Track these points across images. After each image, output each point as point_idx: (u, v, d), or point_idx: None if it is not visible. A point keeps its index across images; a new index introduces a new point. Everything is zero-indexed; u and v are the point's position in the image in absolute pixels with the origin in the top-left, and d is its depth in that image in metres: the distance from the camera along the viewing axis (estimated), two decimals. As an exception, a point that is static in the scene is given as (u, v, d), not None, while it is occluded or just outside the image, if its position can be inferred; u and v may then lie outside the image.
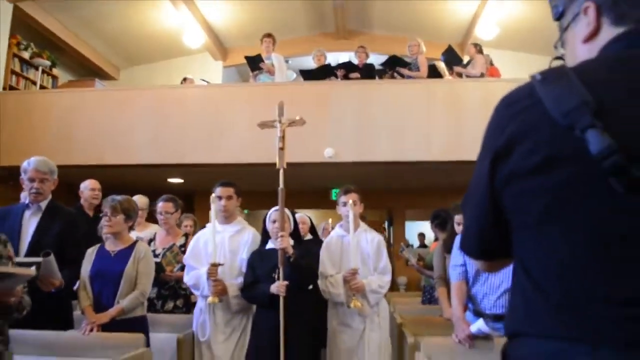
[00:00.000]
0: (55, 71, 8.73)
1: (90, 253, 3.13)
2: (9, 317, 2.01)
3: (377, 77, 6.97)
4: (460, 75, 6.80)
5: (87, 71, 9.69)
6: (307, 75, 6.95)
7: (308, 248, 3.51)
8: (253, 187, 6.42)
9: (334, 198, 8.39)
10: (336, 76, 6.77)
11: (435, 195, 7.98)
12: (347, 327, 3.46)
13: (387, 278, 3.55)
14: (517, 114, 0.87)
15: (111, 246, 3.16)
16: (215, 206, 3.39)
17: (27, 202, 3.08)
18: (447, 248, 3.77)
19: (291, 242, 3.28)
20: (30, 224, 3.03)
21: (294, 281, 3.15)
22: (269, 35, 6.83)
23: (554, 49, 1.11)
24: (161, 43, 9.36)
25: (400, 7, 8.81)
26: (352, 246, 3.40)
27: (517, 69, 8.26)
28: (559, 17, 1.07)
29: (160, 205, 4.00)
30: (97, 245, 3.22)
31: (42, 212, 3.06)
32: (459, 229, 3.53)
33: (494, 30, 8.35)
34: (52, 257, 2.59)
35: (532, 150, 0.83)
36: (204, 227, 3.67)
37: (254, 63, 6.69)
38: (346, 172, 6.57)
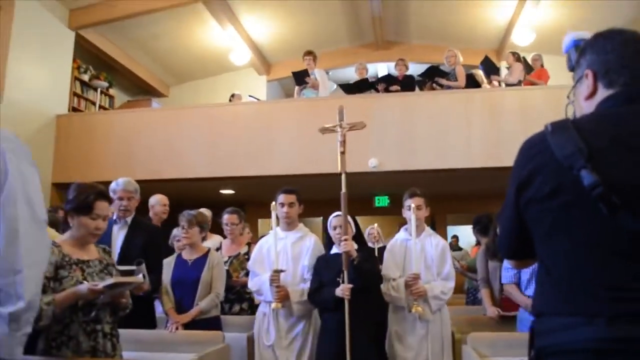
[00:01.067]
0: (111, 91, 9.35)
1: (169, 262, 3.57)
2: (118, 315, 2.43)
3: (417, 88, 7.26)
4: (499, 83, 7.02)
5: (140, 90, 10.30)
6: (347, 89, 7.29)
7: (371, 251, 3.48)
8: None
9: (377, 205, 8.76)
10: (377, 90, 7.09)
11: (475, 201, 8.20)
12: (408, 332, 3.42)
13: (451, 284, 3.50)
14: (534, 156, 1.21)
15: (187, 255, 3.58)
16: (276, 213, 3.45)
17: (115, 217, 3.52)
18: (490, 252, 4.05)
19: (355, 246, 3.31)
20: (118, 236, 3.47)
21: (358, 284, 3.17)
22: (309, 53, 7.18)
23: (567, 98, 1.45)
24: (208, 60, 9.87)
25: (436, 16, 9.06)
26: (414, 250, 3.40)
27: (556, 72, 8.44)
28: (572, 69, 1.42)
29: (226, 217, 4.32)
30: (175, 255, 3.65)
31: (128, 226, 3.50)
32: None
33: (530, 36, 8.50)
34: (143, 265, 3.01)
35: (544, 182, 1.17)
36: (266, 234, 3.83)
37: (300, 78, 7.07)
38: (389, 180, 6.86)
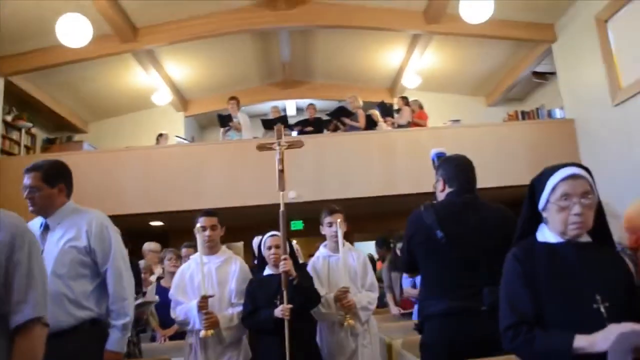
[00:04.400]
0: (33, 130, 9.69)
1: (151, 290, 4.42)
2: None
3: (325, 127, 8.50)
4: (392, 124, 8.44)
5: (59, 126, 10.62)
6: (267, 124, 8.33)
7: (305, 270, 3.46)
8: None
9: (292, 228, 9.84)
10: (292, 130, 8.25)
11: (377, 222, 9.54)
12: (341, 347, 3.45)
13: (375, 294, 3.59)
14: (415, 222, 2.45)
15: (166, 283, 4.46)
16: (200, 237, 3.32)
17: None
18: (393, 266, 5.34)
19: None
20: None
21: (298, 304, 3.13)
22: (233, 98, 8.17)
23: (433, 187, 2.64)
24: (130, 99, 10.44)
25: (339, 59, 10.34)
26: (341, 265, 3.41)
27: (439, 107, 10.10)
28: (435, 169, 2.64)
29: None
30: (154, 285, 4.53)
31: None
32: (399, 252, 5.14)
33: (416, 80, 10.07)
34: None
35: (419, 235, 2.40)
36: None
37: (224, 121, 8.03)
38: (304, 208, 7.98)
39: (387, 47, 9.64)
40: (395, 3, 7.99)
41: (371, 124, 8.37)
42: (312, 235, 4.58)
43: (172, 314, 3.40)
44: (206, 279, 3.30)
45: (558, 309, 1.63)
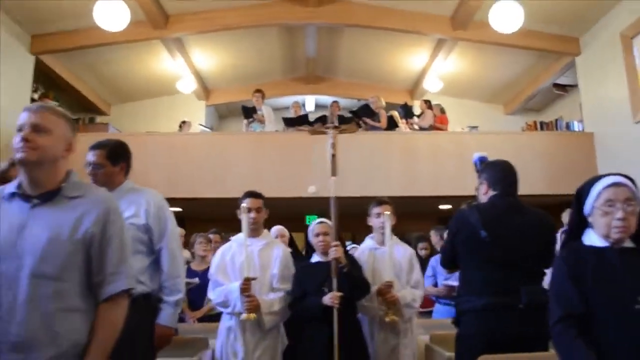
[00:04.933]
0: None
1: None
2: None
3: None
4: (412, 125, 8.54)
5: (82, 107, 10.78)
6: (289, 122, 8.47)
7: (354, 259, 3.35)
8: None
9: (307, 222, 9.95)
10: (311, 125, 8.35)
11: (397, 221, 9.64)
12: (383, 343, 3.34)
13: (421, 292, 3.48)
14: (459, 221, 2.57)
15: (196, 267, 4.66)
16: (244, 218, 3.22)
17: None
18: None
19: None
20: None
21: (347, 293, 3.06)
22: (258, 91, 8.28)
23: (475, 189, 2.76)
24: (153, 84, 10.59)
25: (361, 58, 10.43)
26: (387, 258, 3.31)
27: (457, 112, 10.19)
28: (477, 172, 2.76)
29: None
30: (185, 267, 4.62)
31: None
32: (421, 252, 5.24)
33: (438, 84, 10.15)
34: None
35: (463, 235, 2.52)
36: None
37: (248, 112, 8.15)
38: (322, 203, 8.09)
39: (411, 49, 9.72)
40: (424, 5, 8.07)
41: (392, 124, 8.47)
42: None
43: (211, 295, 3.32)
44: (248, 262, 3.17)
45: (602, 309, 1.76)
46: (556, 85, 9.99)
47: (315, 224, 3.35)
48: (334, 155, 3.36)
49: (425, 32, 8.55)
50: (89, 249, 1.69)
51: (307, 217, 9.66)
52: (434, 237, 5.71)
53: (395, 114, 8.73)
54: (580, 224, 1.96)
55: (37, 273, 1.59)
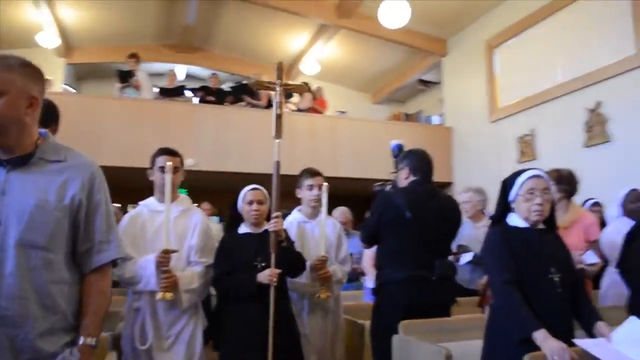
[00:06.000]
0: None
1: None
2: None
3: (225, 99, 8.50)
4: (289, 106, 8.72)
5: None
6: (165, 92, 8.14)
7: (287, 234, 2.98)
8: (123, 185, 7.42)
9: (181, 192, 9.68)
10: (195, 95, 8.16)
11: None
12: (313, 320, 3.18)
13: (348, 268, 3.36)
14: (384, 202, 2.80)
15: None
16: (158, 179, 2.85)
17: None
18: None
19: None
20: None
21: (285, 269, 2.80)
22: (133, 55, 7.78)
23: (392, 172, 2.98)
24: (6, 33, 9.40)
25: (241, 33, 10.25)
26: (320, 232, 3.08)
27: (329, 97, 10.56)
28: (395, 157, 2.98)
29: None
30: None
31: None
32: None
33: (315, 67, 10.42)
34: None
35: (388, 215, 2.73)
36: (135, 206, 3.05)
37: (124, 77, 7.64)
38: (204, 178, 7.92)
39: (292, 30, 9.84)
40: (311, -10, 8.23)
41: (271, 103, 8.54)
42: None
43: (117, 270, 2.63)
44: (161, 232, 2.68)
45: (525, 277, 2.12)
46: (421, 81, 10.84)
47: (247, 190, 3.00)
48: (279, 115, 3.02)
49: (309, 16, 8.73)
50: (75, 216, 1.58)
51: (180, 190, 9.39)
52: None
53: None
54: (504, 208, 2.30)
55: (25, 242, 1.47)
